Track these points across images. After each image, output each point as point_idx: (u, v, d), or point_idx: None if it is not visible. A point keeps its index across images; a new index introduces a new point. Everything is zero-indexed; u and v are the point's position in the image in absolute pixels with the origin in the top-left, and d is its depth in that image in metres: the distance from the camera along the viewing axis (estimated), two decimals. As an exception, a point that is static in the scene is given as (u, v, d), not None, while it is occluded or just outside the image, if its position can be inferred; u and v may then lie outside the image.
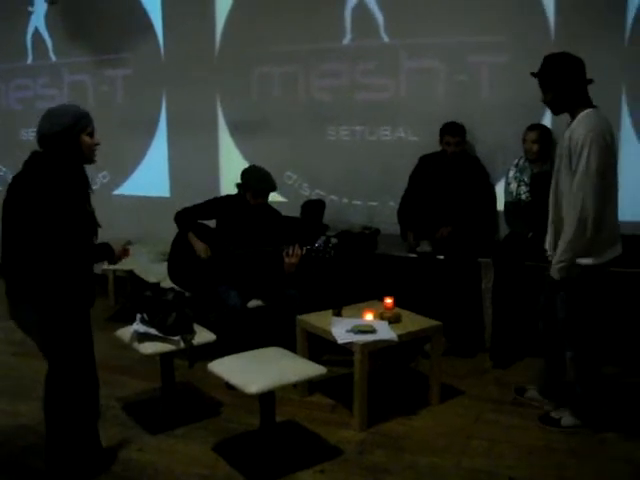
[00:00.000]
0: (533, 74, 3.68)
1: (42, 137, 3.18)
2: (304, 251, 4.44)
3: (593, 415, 3.89)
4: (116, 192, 7.16)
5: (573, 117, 3.63)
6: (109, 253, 3.35)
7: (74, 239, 3.11)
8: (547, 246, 3.89)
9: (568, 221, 3.56)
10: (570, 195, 3.56)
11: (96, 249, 3.30)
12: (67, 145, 3.16)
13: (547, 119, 5.34)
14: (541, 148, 5.06)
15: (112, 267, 5.96)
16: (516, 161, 5.20)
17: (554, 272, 3.65)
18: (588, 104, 3.59)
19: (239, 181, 4.80)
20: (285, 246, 4.53)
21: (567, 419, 3.92)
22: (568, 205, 3.59)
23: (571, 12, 5.21)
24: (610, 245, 3.64)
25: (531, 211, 5.02)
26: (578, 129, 3.51)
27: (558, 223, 3.73)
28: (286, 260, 4.51)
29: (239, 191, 4.81)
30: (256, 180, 4.73)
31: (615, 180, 3.67)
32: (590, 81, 3.60)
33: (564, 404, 4.00)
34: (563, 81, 3.56)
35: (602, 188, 3.48)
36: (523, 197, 5.08)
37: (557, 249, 3.65)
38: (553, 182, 3.78)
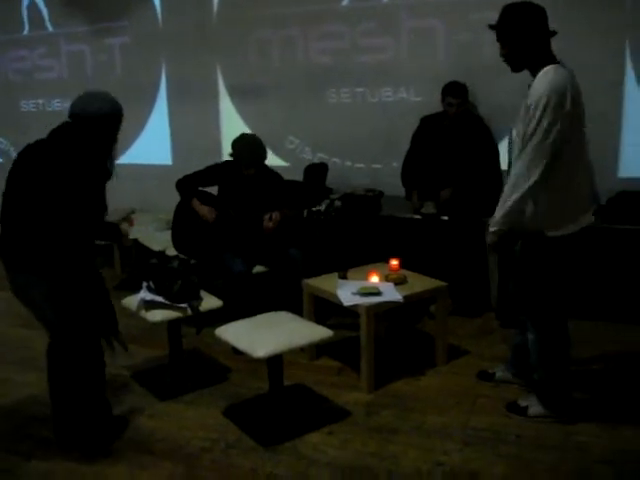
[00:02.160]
0: (491, 26, 3.32)
1: (87, 116, 3.21)
2: (305, 214, 4.44)
3: (562, 404, 3.59)
4: (118, 161, 7.04)
5: (534, 75, 3.28)
6: (117, 235, 3.39)
7: (87, 216, 3.13)
8: None
9: (510, 185, 3.25)
10: (519, 159, 3.25)
11: (105, 229, 3.32)
12: (105, 130, 3.25)
13: (550, 76, 5.29)
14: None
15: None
16: (519, 119, 5.14)
17: (490, 235, 3.38)
18: (550, 59, 3.24)
19: (231, 151, 4.78)
20: (265, 212, 4.57)
21: (535, 408, 3.62)
22: (514, 168, 3.30)
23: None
24: (575, 216, 3.31)
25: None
26: (535, 89, 3.18)
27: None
28: (264, 224, 4.58)
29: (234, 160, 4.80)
30: (245, 151, 4.71)
31: (582, 142, 3.30)
32: (554, 33, 3.24)
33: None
34: (521, 33, 3.21)
35: (552, 149, 3.14)
36: (527, 156, 5.03)
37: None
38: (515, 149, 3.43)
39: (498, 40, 3.32)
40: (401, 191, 5.52)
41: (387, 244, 5.05)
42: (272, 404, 3.62)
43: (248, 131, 5.66)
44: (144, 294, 3.91)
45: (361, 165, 6.10)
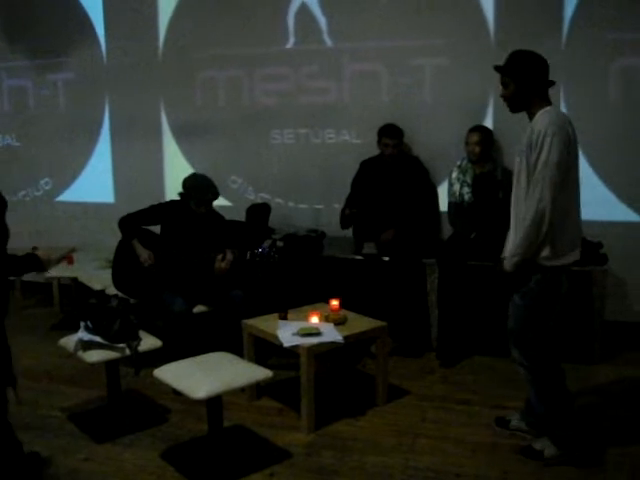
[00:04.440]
0: (496, 68, 3.53)
1: None
2: (248, 256, 4.45)
3: (574, 442, 3.57)
4: (59, 199, 7.03)
5: (531, 117, 3.47)
6: (36, 263, 3.25)
7: None
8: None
9: (527, 214, 3.35)
10: (529, 189, 3.38)
11: (19, 261, 3.19)
12: None
13: (489, 121, 5.46)
14: (483, 149, 5.14)
15: (57, 275, 5.88)
16: (459, 162, 5.27)
17: (507, 264, 3.45)
18: (547, 104, 3.45)
19: (181, 190, 4.76)
20: (219, 252, 4.56)
21: (550, 450, 3.57)
22: (526, 200, 3.39)
23: (510, 16, 5.35)
24: (571, 247, 3.44)
25: (474, 211, 5.11)
26: (538, 123, 3.36)
27: (518, 223, 3.50)
28: (216, 265, 4.54)
29: (182, 199, 4.79)
30: (198, 189, 4.71)
31: (577, 180, 3.48)
32: (552, 83, 3.48)
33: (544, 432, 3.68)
34: (525, 78, 3.42)
35: (561, 182, 3.30)
36: (466, 198, 5.15)
37: (514, 242, 3.46)
38: (514, 183, 3.57)
39: (503, 81, 3.51)
40: (343, 232, 5.58)
41: (328, 284, 5.08)
42: (212, 446, 3.58)
43: (191, 170, 5.68)
44: (82, 334, 3.86)
45: (304, 206, 6.15)
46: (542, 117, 3.38)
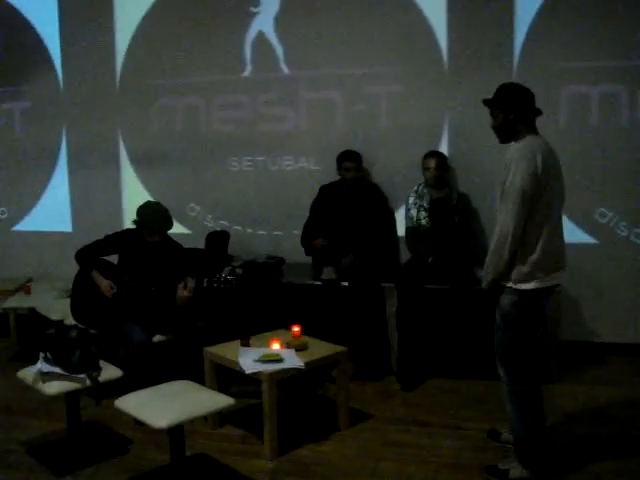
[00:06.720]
0: (485, 101, 3.63)
1: None
2: (205, 283, 4.45)
3: (542, 464, 3.59)
4: (15, 228, 6.97)
5: None
6: None
7: None
8: None
9: (493, 238, 3.48)
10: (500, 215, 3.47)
11: None
12: None
13: (444, 146, 5.56)
14: (439, 174, 5.24)
15: (14, 305, 5.81)
16: (415, 187, 5.35)
17: (483, 281, 3.57)
18: (532, 133, 3.54)
19: (136, 218, 4.78)
20: (180, 280, 4.54)
21: (515, 471, 3.59)
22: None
23: (462, 44, 5.49)
24: (548, 271, 3.46)
25: (431, 236, 5.19)
26: (511, 152, 3.48)
27: None
28: (178, 293, 4.54)
29: (137, 227, 4.79)
30: (151, 219, 4.73)
31: (554, 211, 3.51)
32: (539, 112, 3.58)
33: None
34: (512, 108, 3.50)
35: (527, 210, 3.36)
36: (423, 222, 5.23)
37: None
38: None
39: (492, 114, 3.60)
40: (302, 258, 5.62)
41: (288, 311, 5.10)
42: (174, 475, 3.56)
43: (149, 198, 5.68)
44: (41, 365, 3.81)
45: (262, 232, 6.18)
46: (516, 146, 3.49)
